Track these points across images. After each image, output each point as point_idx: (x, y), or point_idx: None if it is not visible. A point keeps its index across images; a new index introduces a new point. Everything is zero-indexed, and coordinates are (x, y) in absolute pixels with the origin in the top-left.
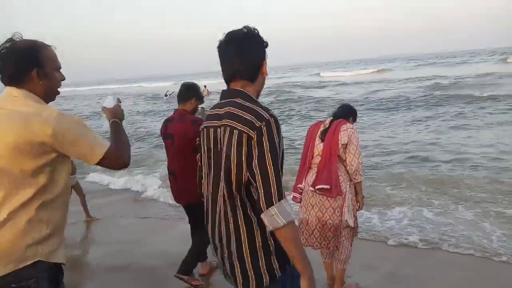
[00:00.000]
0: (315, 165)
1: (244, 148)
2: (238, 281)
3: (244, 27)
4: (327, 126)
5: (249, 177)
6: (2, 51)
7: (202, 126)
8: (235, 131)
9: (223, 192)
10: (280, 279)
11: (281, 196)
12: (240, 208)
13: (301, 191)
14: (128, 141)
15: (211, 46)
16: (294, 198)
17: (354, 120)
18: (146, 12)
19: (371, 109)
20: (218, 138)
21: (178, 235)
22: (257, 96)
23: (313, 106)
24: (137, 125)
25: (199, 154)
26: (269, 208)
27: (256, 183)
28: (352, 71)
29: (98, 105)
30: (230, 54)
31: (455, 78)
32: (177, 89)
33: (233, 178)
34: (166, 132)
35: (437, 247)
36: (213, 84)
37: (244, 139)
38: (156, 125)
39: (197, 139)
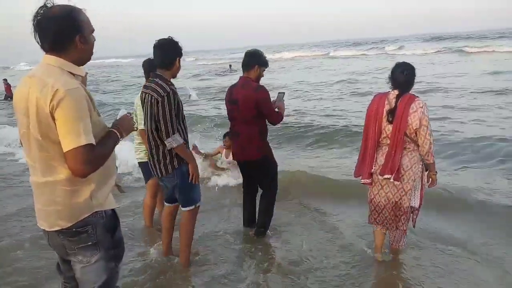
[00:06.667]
0: (386, 146)
1: (155, 107)
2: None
3: (169, 36)
4: (393, 105)
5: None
6: (38, 18)
7: (143, 91)
8: (152, 97)
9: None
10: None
11: (173, 132)
12: (158, 139)
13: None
14: (105, 157)
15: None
16: (365, 183)
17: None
18: None
19: None
20: (146, 100)
21: None
22: (171, 78)
23: None
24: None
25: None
26: (168, 138)
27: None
28: None
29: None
30: (160, 54)
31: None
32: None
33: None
34: (231, 97)
35: None
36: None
37: (154, 101)
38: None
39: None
